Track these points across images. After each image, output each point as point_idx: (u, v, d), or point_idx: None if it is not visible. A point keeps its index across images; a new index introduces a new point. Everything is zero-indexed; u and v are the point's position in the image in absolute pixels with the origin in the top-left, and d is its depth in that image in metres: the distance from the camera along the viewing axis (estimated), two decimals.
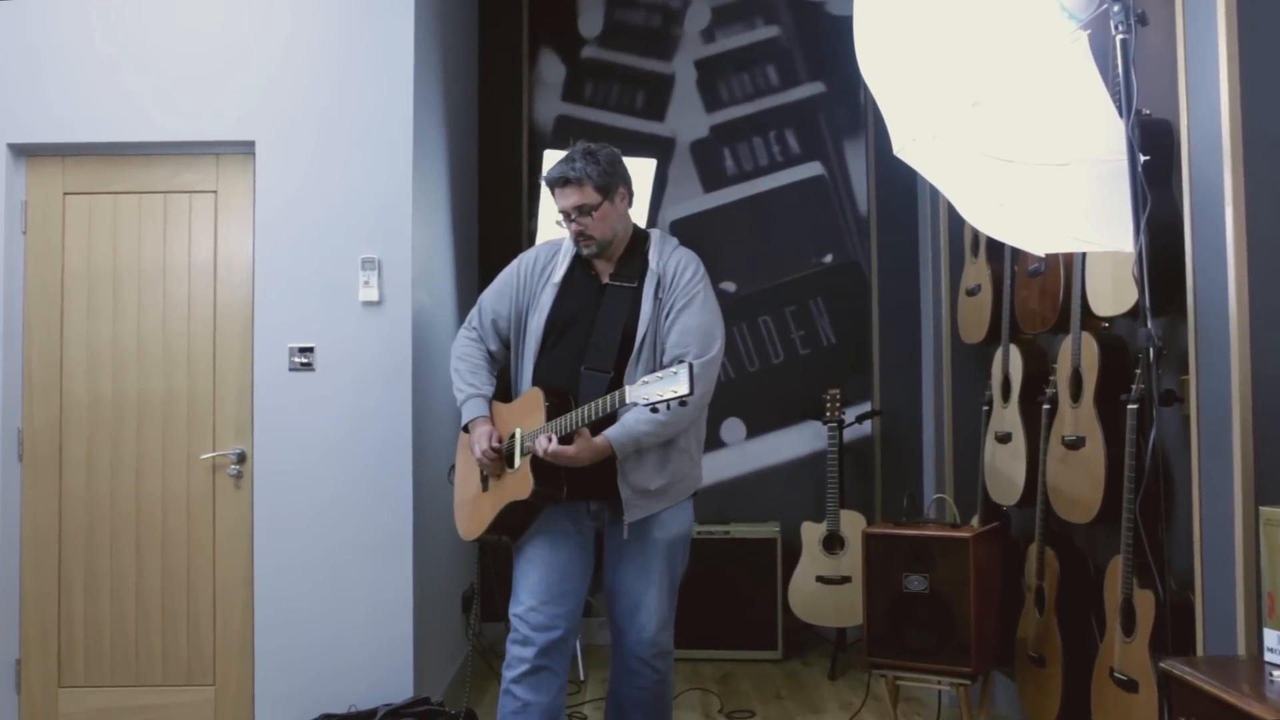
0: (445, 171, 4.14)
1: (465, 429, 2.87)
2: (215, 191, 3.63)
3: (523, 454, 2.70)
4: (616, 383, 2.69)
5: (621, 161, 2.85)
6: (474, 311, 2.98)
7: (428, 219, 3.81)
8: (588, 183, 2.75)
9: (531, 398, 2.74)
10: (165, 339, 3.60)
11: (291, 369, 3.51)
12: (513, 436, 2.76)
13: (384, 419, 3.49)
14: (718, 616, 4.49)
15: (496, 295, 2.94)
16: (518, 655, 2.71)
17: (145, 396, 3.59)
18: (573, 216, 2.77)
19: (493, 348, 2.94)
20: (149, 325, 3.61)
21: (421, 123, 3.67)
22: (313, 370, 3.51)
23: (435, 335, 3.91)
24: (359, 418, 3.50)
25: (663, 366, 2.72)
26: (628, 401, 2.49)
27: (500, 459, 2.77)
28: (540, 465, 2.65)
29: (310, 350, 3.52)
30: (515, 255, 4.90)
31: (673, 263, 2.82)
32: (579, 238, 2.79)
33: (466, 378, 2.90)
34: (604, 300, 2.80)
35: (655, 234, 2.91)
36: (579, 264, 2.86)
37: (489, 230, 5.00)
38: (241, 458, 3.57)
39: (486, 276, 4.85)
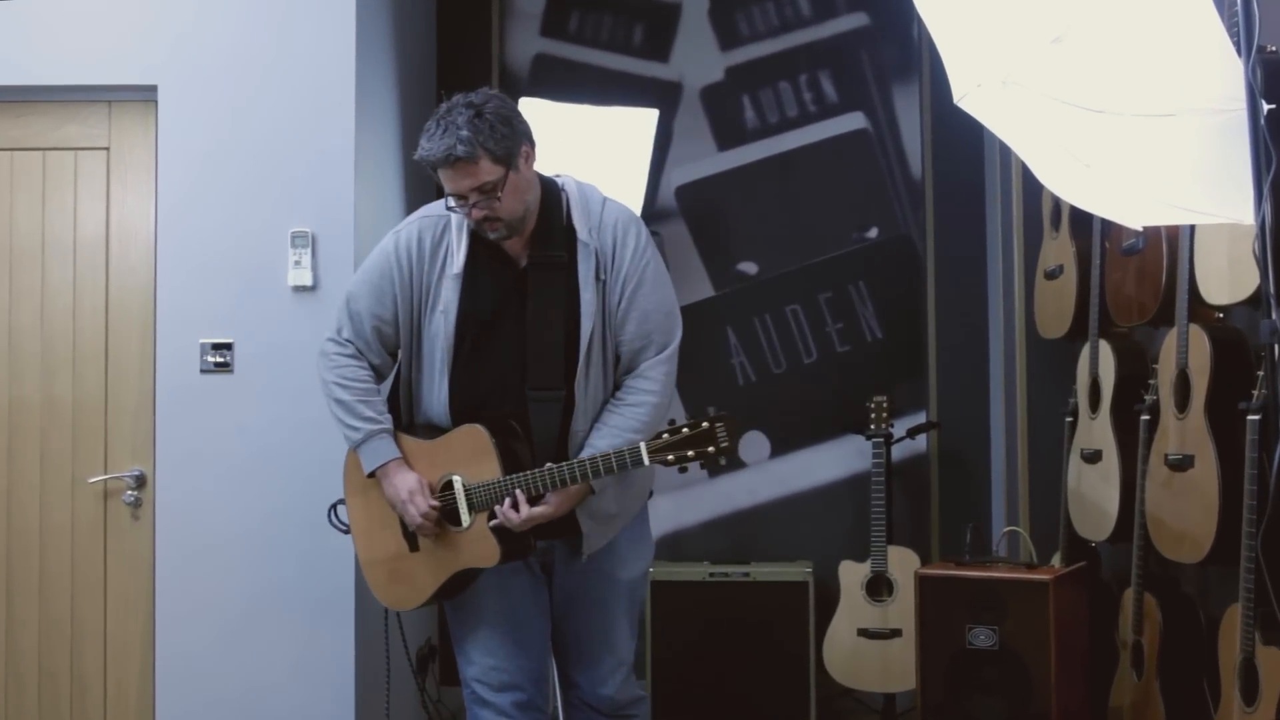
0: (395, 125, 4.14)
1: (371, 474, 2.79)
2: (107, 149, 3.62)
3: (474, 510, 2.70)
4: (570, 402, 2.70)
5: (517, 110, 2.74)
6: (340, 317, 2.87)
7: (373, 184, 3.80)
8: (482, 156, 2.62)
9: (471, 438, 2.71)
10: (44, 334, 3.59)
11: (204, 370, 3.51)
12: (448, 486, 2.74)
13: (319, 432, 3.45)
14: (735, 679, 4.48)
15: (374, 295, 2.82)
16: None
17: (19, 406, 3.58)
18: (471, 200, 2.67)
19: (375, 362, 2.86)
20: (23, 317, 3.60)
21: (366, 64, 3.66)
22: (230, 372, 3.51)
23: None
24: (288, 430, 3.49)
25: (619, 364, 2.77)
26: (646, 464, 2.54)
27: (442, 519, 2.75)
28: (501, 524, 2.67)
29: (227, 347, 3.51)
30: None
31: (609, 230, 2.77)
32: (484, 224, 2.70)
33: (359, 410, 2.79)
34: (530, 292, 2.74)
35: (569, 185, 2.83)
36: (482, 243, 2.78)
37: None
38: (140, 481, 3.57)
39: None
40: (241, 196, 3.52)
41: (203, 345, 3.51)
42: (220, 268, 3.52)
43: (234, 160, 3.53)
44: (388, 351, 2.87)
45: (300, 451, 3.48)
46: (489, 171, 2.64)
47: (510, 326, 2.75)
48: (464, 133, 2.60)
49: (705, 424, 2.55)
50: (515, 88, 5.00)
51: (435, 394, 2.79)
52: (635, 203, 4.82)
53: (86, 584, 3.57)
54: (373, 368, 2.86)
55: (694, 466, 2.59)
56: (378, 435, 2.79)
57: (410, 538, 2.80)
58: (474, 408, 2.75)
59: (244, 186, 3.53)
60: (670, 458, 2.55)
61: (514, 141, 2.67)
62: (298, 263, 3.50)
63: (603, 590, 2.84)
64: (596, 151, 4.85)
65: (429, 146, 2.64)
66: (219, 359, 3.51)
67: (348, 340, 2.85)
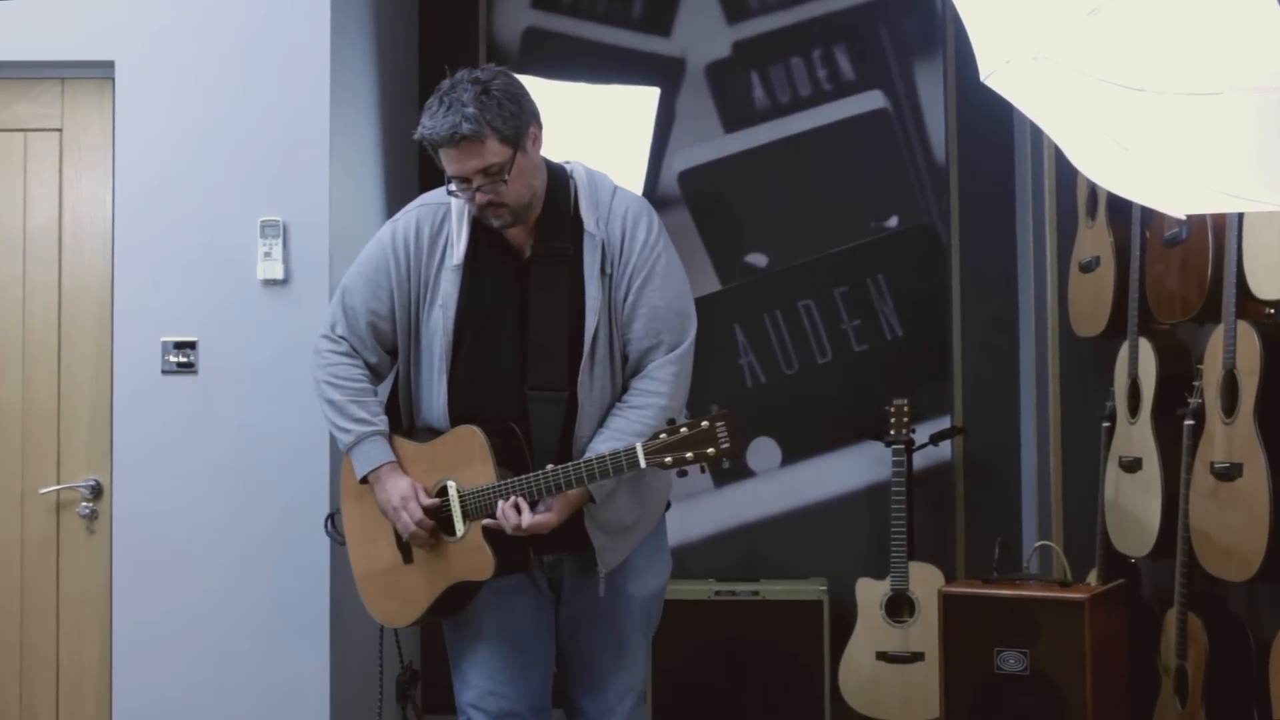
0: (374, 104, 4.14)
1: (364, 479, 2.81)
2: (60, 130, 3.62)
3: (468, 518, 2.70)
4: (573, 402, 2.71)
5: (525, 89, 2.76)
6: (335, 312, 2.89)
7: (351, 169, 3.80)
8: (489, 135, 2.63)
9: (465, 439, 2.72)
10: None
11: (165, 371, 3.51)
12: (443, 492, 2.74)
13: (292, 438, 3.48)
14: (743, 706, 4.49)
15: (369, 289, 2.84)
16: None
17: None
18: (475, 183, 2.69)
19: (371, 360, 2.88)
20: None
21: (343, 38, 3.66)
22: (195, 373, 3.51)
23: None
24: (258, 436, 3.49)
25: (628, 363, 2.77)
26: (642, 466, 2.54)
27: (435, 527, 2.75)
28: (496, 532, 2.66)
29: (191, 346, 3.51)
30: None
31: (618, 221, 2.79)
32: (487, 209, 2.72)
33: (351, 411, 2.81)
34: (533, 285, 2.76)
35: (579, 173, 2.85)
36: (483, 233, 2.80)
37: (434, 184, 4.98)
38: (96, 492, 3.56)
39: None
40: (206, 182, 3.52)
41: (164, 344, 3.51)
42: (183, 260, 3.52)
43: (198, 143, 3.53)
44: (385, 349, 2.89)
45: (271, 459, 3.48)
46: (496, 152, 2.65)
47: (511, 322, 2.76)
48: (470, 110, 2.62)
49: (705, 423, 2.54)
50: (504, 64, 5.00)
51: (434, 394, 2.80)
52: (634, 189, 4.82)
53: (37, 604, 3.57)
54: (368, 366, 2.87)
55: (698, 476, 2.59)
56: (370, 438, 2.80)
57: (405, 548, 2.81)
58: (473, 409, 2.75)
59: (209, 171, 3.52)
60: (668, 460, 2.55)
61: (522, 121, 2.69)
62: (268, 254, 3.50)
63: (615, 607, 2.83)
64: (593, 134, 4.85)
65: (432, 125, 2.66)
66: (182, 359, 3.51)
67: (341, 337, 2.87)
